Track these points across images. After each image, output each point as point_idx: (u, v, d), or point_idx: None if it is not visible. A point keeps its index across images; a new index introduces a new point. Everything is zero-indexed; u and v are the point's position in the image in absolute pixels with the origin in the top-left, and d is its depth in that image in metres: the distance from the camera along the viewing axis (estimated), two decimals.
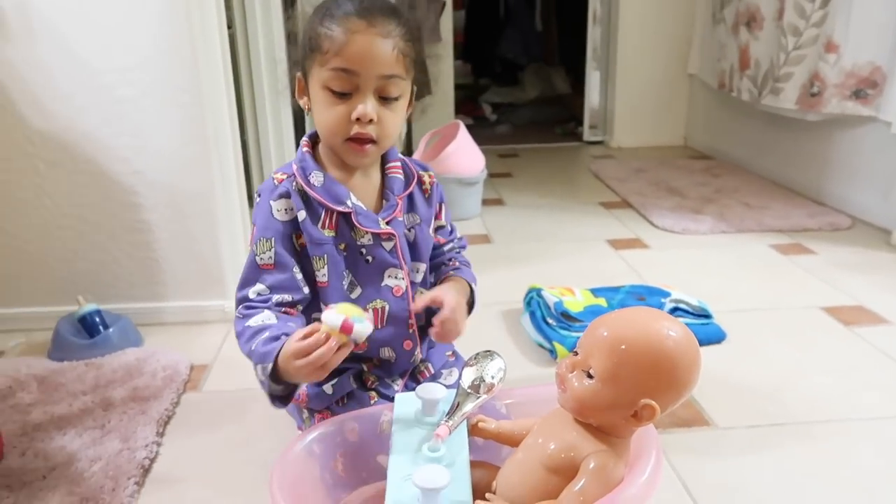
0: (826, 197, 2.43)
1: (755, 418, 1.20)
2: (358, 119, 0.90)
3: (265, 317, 0.92)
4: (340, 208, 0.97)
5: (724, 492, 1.02)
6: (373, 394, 1.02)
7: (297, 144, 1.05)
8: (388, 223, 1.00)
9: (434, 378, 1.08)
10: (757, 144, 2.87)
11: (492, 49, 4.88)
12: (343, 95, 0.91)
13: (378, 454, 0.90)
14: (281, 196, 0.97)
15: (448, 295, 0.97)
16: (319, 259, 0.98)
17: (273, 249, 0.96)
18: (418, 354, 1.06)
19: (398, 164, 1.04)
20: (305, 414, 1.04)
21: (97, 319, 1.48)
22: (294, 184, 0.97)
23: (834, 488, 1.02)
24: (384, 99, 0.92)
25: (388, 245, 1.00)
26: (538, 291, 1.54)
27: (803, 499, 1.00)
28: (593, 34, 3.59)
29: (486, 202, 2.50)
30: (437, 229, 1.10)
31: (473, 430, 0.84)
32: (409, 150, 2.59)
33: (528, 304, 1.55)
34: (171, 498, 1.02)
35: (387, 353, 1.03)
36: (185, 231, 1.56)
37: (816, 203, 2.43)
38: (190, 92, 1.46)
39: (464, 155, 2.32)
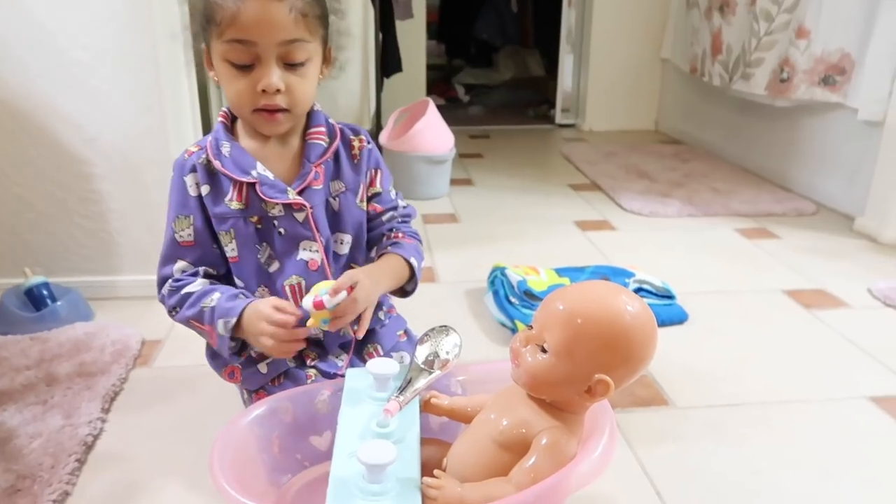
0: (792, 183, 2.44)
1: (714, 399, 1.19)
2: (264, 90, 0.86)
3: (203, 283, 0.95)
4: (245, 179, 0.92)
5: (682, 472, 1.01)
6: (311, 372, 0.98)
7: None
8: (300, 192, 0.95)
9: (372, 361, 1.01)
10: (727, 130, 2.88)
11: (466, 30, 4.81)
12: (245, 67, 0.86)
13: (312, 435, 0.88)
14: (190, 171, 0.95)
15: (352, 276, 0.89)
16: (226, 234, 0.95)
17: (192, 226, 0.95)
18: (351, 328, 0.96)
19: (321, 128, 0.98)
20: (245, 395, 1.01)
21: (45, 292, 1.43)
22: (202, 157, 0.94)
23: (791, 469, 1.02)
24: (290, 65, 0.87)
25: (300, 216, 0.95)
26: (502, 270, 1.52)
27: (760, 479, 0.99)
28: (568, 17, 3.56)
29: (455, 182, 2.47)
30: (373, 197, 1.03)
31: (426, 407, 0.82)
32: (377, 127, 2.55)
33: (492, 282, 1.53)
34: (114, 476, 0.98)
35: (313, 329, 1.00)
36: (141, 202, 1.51)
37: (783, 189, 2.44)
38: (146, 57, 1.40)
39: (432, 132, 2.29)
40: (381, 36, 2.71)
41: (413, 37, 3.35)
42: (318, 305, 0.84)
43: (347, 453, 0.71)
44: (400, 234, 1.04)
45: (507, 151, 3.11)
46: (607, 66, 3.42)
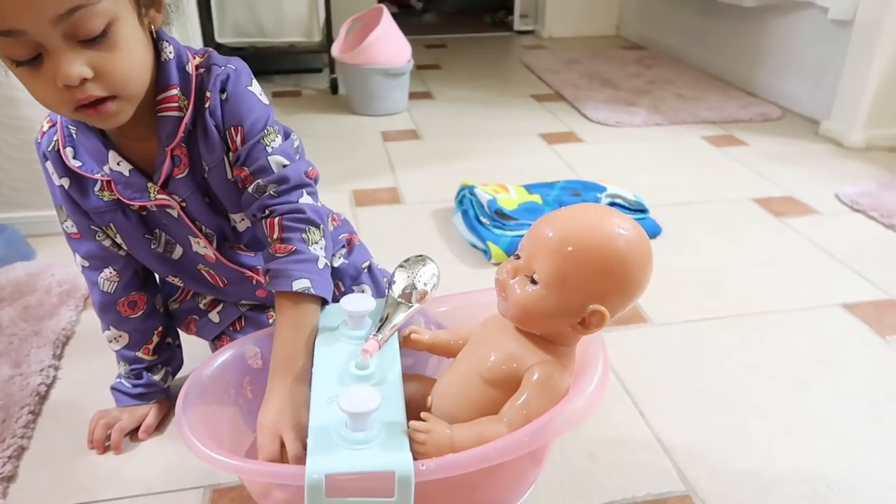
0: (758, 88, 2.40)
1: (691, 313, 1.18)
2: (67, 86, 0.63)
3: (115, 335, 0.90)
4: (97, 176, 0.77)
5: (662, 388, 1.00)
6: (271, 312, 0.92)
7: None
8: (164, 185, 0.77)
9: (342, 296, 0.82)
10: (691, 34, 2.79)
11: None
12: (32, 60, 0.62)
13: None
14: (45, 157, 0.80)
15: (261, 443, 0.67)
16: (108, 228, 0.83)
17: (69, 219, 0.83)
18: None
19: (173, 92, 0.74)
20: (210, 344, 0.95)
21: None
22: (53, 142, 0.78)
23: (769, 380, 1.02)
24: (87, 41, 0.63)
25: (172, 212, 0.80)
26: (471, 189, 1.45)
27: (740, 391, 0.99)
28: None
29: (413, 96, 2.35)
30: (235, 163, 0.78)
31: (405, 343, 0.77)
32: (329, 39, 2.39)
33: (461, 202, 1.47)
34: (74, 425, 0.92)
35: (251, 300, 0.93)
36: None
37: (749, 94, 2.40)
38: None
39: (388, 43, 2.15)
40: None
41: None
42: None
43: (326, 399, 0.66)
44: (273, 230, 0.76)
45: (465, 62, 2.98)
46: None
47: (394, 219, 1.53)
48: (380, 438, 0.62)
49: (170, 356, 0.94)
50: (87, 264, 0.86)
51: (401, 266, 0.81)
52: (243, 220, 0.85)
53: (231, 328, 0.93)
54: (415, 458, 0.60)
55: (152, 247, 0.85)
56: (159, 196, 0.78)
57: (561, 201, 1.47)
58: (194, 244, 0.84)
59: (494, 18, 3.72)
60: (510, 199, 1.45)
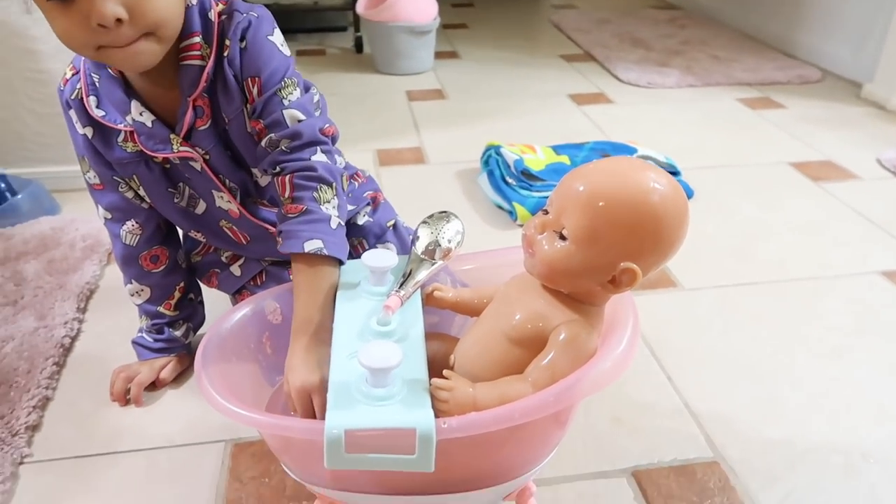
0: (797, 49, 2.31)
1: (722, 278, 1.14)
2: (101, 25, 0.61)
3: (137, 289, 0.89)
4: (119, 126, 0.75)
5: (691, 353, 0.98)
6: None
7: None
8: (187, 137, 0.75)
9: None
10: None
11: None
12: None
13: None
14: (68, 105, 0.77)
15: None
16: (131, 179, 0.81)
17: (91, 169, 0.82)
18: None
19: (195, 40, 0.71)
20: (231, 298, 0.94)
21: (2, 185, 1.32)
22: (77, 90, 0.76)
23: (802, 348, 0.98)
24: None
25: (196, 165, 0.78)
26: (497, 149, 1.42)
27: (772, 359, 0.96)
28: None
29: (439, 55, 2.30)
30: (251, 115, 0.75)
31: (428, 300, 0.75)
32: None
33: (486, 162, 1.44)
34: (97, 377, 0.92)
35: (274, 256, 0.91)
36: None
37: (786, 55, 2.31)
38: None
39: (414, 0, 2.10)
40: None
41: None
42: None
43: (346, 355, 0.65)
44: (284, 189, 0.73)
45: (492, 21, 2.90)
46: None
47: (418, 179, 1.50)
48: (401, 395, 0.60)
49: (191, 312, 0.94)
50: (109, 216, 0.86)
51: (424, 222, 0.79)
52: (263, 175, 0.83)
53: (252, 282, 0.93)
54: (436, 416, 0.58)
55: (175, 201, 0.84)
56: (182, 148, 0.76)
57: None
58: (218, 199, 0.83)
59: None
60: (537, 160, 1.41)
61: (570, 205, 0.62)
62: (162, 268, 0.89)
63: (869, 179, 1.48)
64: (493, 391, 0.61)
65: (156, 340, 0.90)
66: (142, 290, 0.89)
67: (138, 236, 0.86)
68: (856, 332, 1.02)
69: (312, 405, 0.65)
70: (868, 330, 1.02)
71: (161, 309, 0.90)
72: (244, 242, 0.88)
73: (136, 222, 0.85)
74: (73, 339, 1.01)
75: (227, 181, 0.81)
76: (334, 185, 0.74)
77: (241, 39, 0.73)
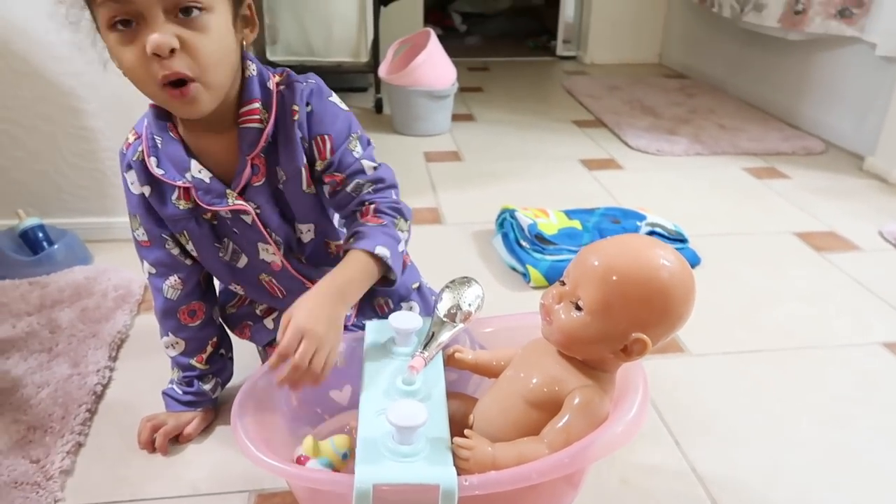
0: (801, 120, 2.39)
1: (729, 345, 1.18)
2: (155, 54, 0.68)
3: (172, 342, 0.95)
4: (179, 182, 0.82)
5: (699, 419, 1.01)
6: None
7: None
8: (242, 192, 0.83)
9: (391, 313, 0.88)
10: (734, 64, 2.79)
11: None
12: (126, 26, 0.68)
13: (332, 390, 0.86)
14: (129, 167, 0.85)
15: (294, 316, 0.73)
16: (181, 235, 0.88)
17: (142, 227, 0.89)
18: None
19: (255, 104, 0.80)
20: (259, 348, 0.99)
21: (40, 235, 1.38)
22: (138, 153, 0.84)
23: (806, 416, 1.02)
24: (183, 15, 0.69)
25: (246, 218, 0.85)
26: (511, 212, 1.48)
27: (776, 426, 0.99)
28: None
29: (456, 117, 2.40)
30: (328, 168, 0.84)
31: (449, 361, 0.79)
32: (375, 60, 2.45)
33: (501, 225, 1.50)
34: (127, 424, 0.96)
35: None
36: None
37: (791, 126, 2.39)
38: None
39: (434, 66, 2.20)
40: None
41: None
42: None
43: (374, 412, 0.69)
44: (368, 213, 0.84)
45: (507, 85, 3.02)
46: None
47: (435, 239, 1.56)
48: (425, 452, 0.64)
49: (221, 367, 0.98)
50: (154, 271, 0.92)
51: (447, 287, 0.84)
52: (309, 230, 0.90)
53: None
54: (458, 473, 0.62)
55: (220, 255, 0.91)
56: (237, 201, 0.83)
57: (600, 228, 1.49)
58: (262, 251, 0.89)
59: (537, 43, 3.77)
60: (550, 224, 1.47)
61: (585, 278, 0.67)
62: (198, 322, 0.94)
63: (870, 251, 1.53)
64: (511, 451, 0.65)
65: (185, 393, 0.95)
66: (177, 343, 0.94)
67: (179, 291, 0.92)
68: (858, 402, 1.05)
69: (296, 346, 0.71)
70: (870, 400, 1.05)
71: (193, 362, 0.95)
72: (280, 296, 0.94)
73: (179, 277, 0.91)
74: (105, 386, 1.05)
75: (274, 234, 0.88)
76: (409, 223, 0.87)
77: (307, 104, 0.82)
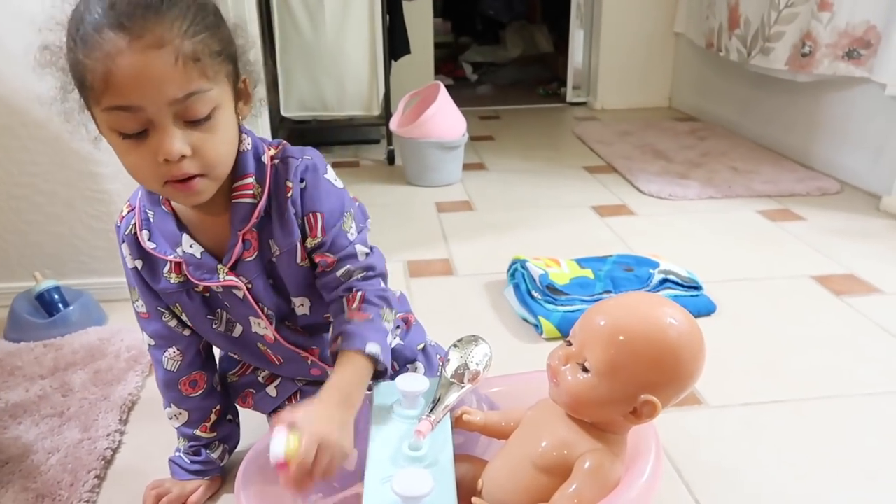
0: (814, 161, 2.38)
1: (748, 396, 1.15)
2: (167, 160, 0.69)
3: (175, 413, 0.93)
4: (170, 258, 0.82)
5: (718, 474, 0.98)
6: None
7: None
8: (233, 267, 0.82)
9: (396, 375, 0.88)
10: (744, 106, 2.80)
11: (472, 6, 4.71)
12: (138, 135, 0.68)
13: None
14: (123, 241, 0.86)
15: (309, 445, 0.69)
16: (175, 306, 0.88)
17: (140, 299, 0.89)
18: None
19: (249, 179, 0.80)
20: (265, 416, 0.98)
21: (56, 296, 1.40)
22: (131, 226, 0.84)
23: (832, 470, 0.98)
24: (192, 122, 0.69)
25: (238, 293, 0.84)
26: (522, 263, 1.47)
27: (801, 482, 0.96)
28: None
29: (467, 167, 2.42)
30: (318, 248, 0.83)
31: (458, 423, 0.78)
32: (387, 113, 2.49)
33: (513, 275, 1.49)
34: (136, 491, 0.95)
35: (305, 376, 0.96)
36: None
37: (804, 167, 2.38)
38: None
39: (444, 118, 2.23)
40: (388, 18, 2.64)
41: (420, 15, 3.27)
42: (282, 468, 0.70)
43: (380, 479, 0.68)
44: (355, 301, 0.82)
45: (518, 133, 3.05)
46: (619, 41, 3.33)
47: (447, 290, 1.56)
48: None
49: (228, 433, 0.97)
50: (153, 343, 0.91)
51: (454, 346, 0.83)
52: (303, 304, 0.89)
53: (287, 402, 0.96)
54: None
55: (214, 326, 0.90)
56: (228, 277, 0.82)
57: (613, 276, 1.48)
58: (254, 325, 0.88)
59: (547, 90, 3.81)
60: (562, 274, 1.46)
61: (591, 338, 0.66)
62: (200, 392, 0.93)
63: (891, 293, 1.50)
64: None
65: (192, 462, 0.94)
66: (180, 414, 0.93)
67: (179, 362, 0.91)
68: (887, 453, 1.01)
69: (314, 458, 0.68)
70: None
71: (198, 432, 0.94)
72: (278, 363, 0.93)
73: (178, 349, 0.91)
74: (115, 451, 1.04)
75: (266, 308, 0.87)
76: (395, 312, 0.85)
77: (301, 181, 0.81)
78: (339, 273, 0.83)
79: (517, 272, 1.47)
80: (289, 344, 0.89)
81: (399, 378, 0.78)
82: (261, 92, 0.82)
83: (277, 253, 0.83)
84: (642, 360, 0.64)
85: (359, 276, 0.83)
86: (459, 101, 2.35)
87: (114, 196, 1.46)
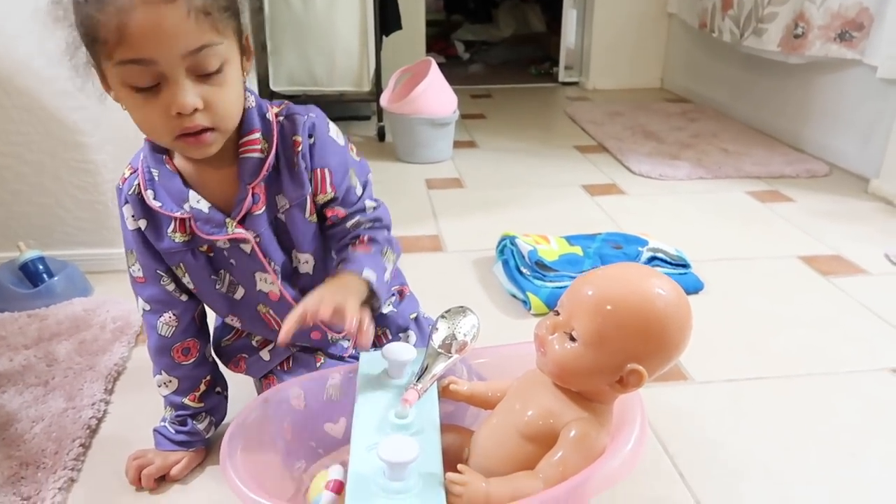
0: (805, 143, 2.38)
1: (733, 373, 1.16)
2: (179, 113, 0.70)
3: (165, 380, 0.93)
4: (177, 214, 0.82)
5: (703, 449, 0.99)
6: (319, 355, 0.95)
7: None
8: (242, 221, 0.83)
9: (389, 342, 0.95)
10: (736, 88, 2.80)
11: None
12: (150, 89, 0.69)
13: (326, 423, 0.85)
14: (126, 202, 0.85)
15: (307, 302, 0.75)
16: (178, 268, 0.88)
17: (137, 262, 0.88)
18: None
19: (255, 135, 0.81)
20: (255, 380, 0.98)
21: (41, 267, 1.38)
22: (134, 186, 0.84)
23: (815, 446, 0.99)
24: (204, 76, 0.71)
25: (246, 247, 0.85)
26: (512, 239, 1.47)
27: (784, 457, 0.97)
28: None
29: (457, 144, 2.40)
30: (329, 202, 0.86)
31: (444, 393, 0.78)
32: (377, 89, 2.46)
33: (501, 252, 1.49)
34: (121, 459, 0.95)
35: (303, 342, 0.96)
36: None
37: (795, 149, 2.38)
38: None
39: (435, 94, 2.21)
40: None
41: None
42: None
43: (366, 447, 0.68)
44: (359, 245, 0.86)
45: (509, 111, 3.03)
46: (612, 21, 3.32)
47: (435, 267, 1.55)
48: (417, 489, 0.63)
49: (216, 404, 0.97)
50: (148, 308, 0.91)
51: (442, 316, 0.83)
52: (307, 262, 0.90)
53: (279, 367, 0.96)
54: None
55: (216, 287, 0.90)
56: (237, 230, 0.83)
57: (602, 254, 1.48)
58: (260, 281, 0.89)
59: (539, 70, 3.79)
60: (551, 251, 1.46)
61: (579, 308, 0.66)
62: (192, 360, 0.93)
63: (877, 275, 1.51)
64: (505, 487, 0.64)
65: (177, 432, 0.93)
66: (170, 382, 0.93)
67: (174, 328, 0.91)
68: (869, 431, 1.02)
69: (342, 318, 0.73)
70: (880, 428, 1.03)
71: (186, 401, 0.93)
72: (276, 328, 0.92)
73: (174, 314, 0.90)
74: (100, 420, 1.04)
75: (273, 263, 0.88)
76: (396, 257, 0.90)
77: (310, 136, 0.83)
78: (348, 224, 0.87)
79: (506, 248, 1.47)
80: (293, 301, 0.89)
81: (386, 347, 0.78)
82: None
83: (286, 207, 0.85)
84: (629, 330, 0.64)
85: (367, 226, 0.88)
86: (451, 79, 2.33)
87: (99, 167, 1.44)
